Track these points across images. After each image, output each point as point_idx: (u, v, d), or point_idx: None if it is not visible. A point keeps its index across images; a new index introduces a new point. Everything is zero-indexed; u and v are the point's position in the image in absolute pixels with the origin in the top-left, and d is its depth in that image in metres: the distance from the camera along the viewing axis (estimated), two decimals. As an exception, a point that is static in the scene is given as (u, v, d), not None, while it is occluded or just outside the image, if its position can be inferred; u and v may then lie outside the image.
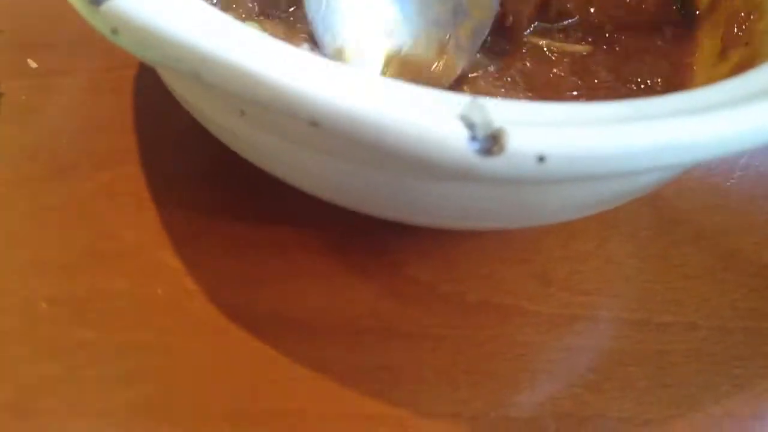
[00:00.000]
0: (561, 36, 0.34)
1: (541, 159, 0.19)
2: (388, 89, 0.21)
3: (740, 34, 0.33)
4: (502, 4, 0.33)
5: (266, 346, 0.30)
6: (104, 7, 0.21)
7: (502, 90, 0.31)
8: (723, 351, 0.31)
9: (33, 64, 0.38)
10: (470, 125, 0.20)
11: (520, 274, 0.32)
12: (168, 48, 0.20)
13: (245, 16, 0.30)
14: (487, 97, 0.21)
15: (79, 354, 0.29)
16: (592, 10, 0.35)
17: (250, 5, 0.32)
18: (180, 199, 0.34)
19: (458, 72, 0.31)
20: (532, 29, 0.34)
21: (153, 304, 0.30)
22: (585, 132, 0.20)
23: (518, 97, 0.31)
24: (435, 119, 0.19)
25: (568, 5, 0.34)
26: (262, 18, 0.32)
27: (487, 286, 0.32)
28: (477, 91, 0.31)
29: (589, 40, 0.34)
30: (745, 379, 0.30)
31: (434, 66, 0.31)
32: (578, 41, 0.34)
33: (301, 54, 0.21)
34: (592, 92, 0.32)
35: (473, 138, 0.19)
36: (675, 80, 0.33)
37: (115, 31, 0.21)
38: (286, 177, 0.28)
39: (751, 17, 0.32)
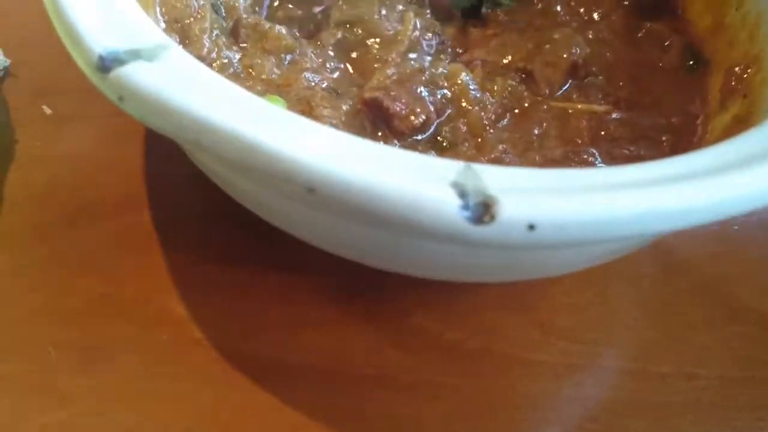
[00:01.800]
0: (579, 95, 0.34)
1: (531, 227, 0.20)
2: (384, 155, 0.21)
3: (738, 86, 0.34)
4: (531, 72, 0.34)
5: (270, 395, 0.30)
6: (111, 74, 0.22)
7: (519, 145, 0.31)
8: (722, 401, 0.31)
9: (47, 110, 0.39)
10: (462, 193, 0.20)
11: (521, 323, 0.33)
12: (170, 117, 0.21)
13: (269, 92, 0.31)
14: (481, 164, 0.21)
15: (85, 401, 0.30)
16: (616, 72, 0.35)
17: None
18: (186, 245, 0.34)
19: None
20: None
21: (158, 352, 0.31)
22: (573, 200, 0.20)
23: (533, 152, 0.31)
24: (428, 186, 0.20)
25: (594, 69, 0.35)
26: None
27: (488, 334, 0.32)
28: (493, 145, 0.31)
29: (608, 98, 0.34)
30: (745, 431, 0.30)
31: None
32: (597, 100, 0.34)
33: (300, 120, 0.22)
34: (609, 147, 0.32)
35: (465, 206, 0.20)
36: (685, 131, 0.34)
37: (121, 99, 0.22)
38: (287, 229, 0.29)
39: (749, 70, 0.33)
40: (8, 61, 0.41)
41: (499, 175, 0.21)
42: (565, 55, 0.34)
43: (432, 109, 0.31)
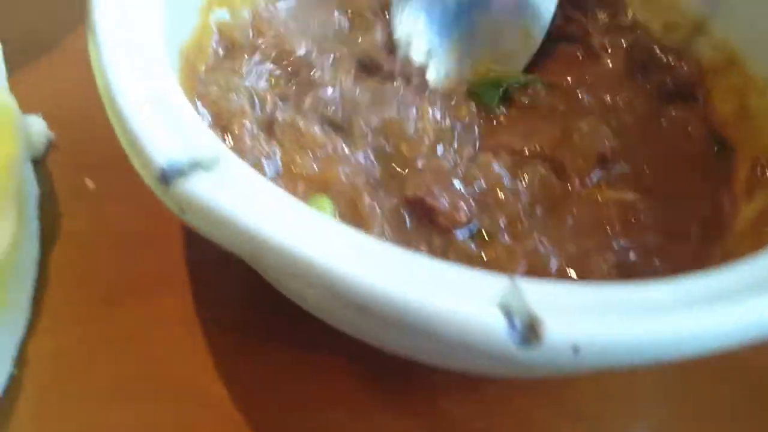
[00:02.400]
0: (608, 183, 0.35)
1: (575, 350, 0.21)
2: (433, 271, 0.22)
3: (764, 176, 0.34)
4: (562, 162, 0.35)
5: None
6: (173, 187, 0.23)
7: (553, 235, 0.32)
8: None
9: (90, 184, 0.40)
10: (508, 313, 0.21)
11: (551, 413, 0.33)
12: (230, 231, 0.22)
13: (312, 189, 0.32)
14: (524, 279, 0.22)
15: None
16: (642, 160, 0.36)
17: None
18: (225, 325, 0.35)
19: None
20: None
21: (199, 434, 0.32)
22: (617, 322, 0.21)
23: (567, 242, 0.32)
24: (476, 309, 0.21)
25: (623, 159, 0.36)
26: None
27: (517, 424, 0.33)
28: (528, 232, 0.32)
29: (637, 186, 0.35)
30: None
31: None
32: (626, 188, 0.35)
33: (354, 235, 0.23)
34: (640, 236, 0.33)
35: (512, 327, 0.21)
36: (714, 220, 0.34)
37: (182, 211, 0.23)
38: (329, 322, 0.29)
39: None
40: (52, 134, 0.42)
41: (542, 292, 0.22)
42: (593, 147, 0.35)
43: (473, 203, 0.32)
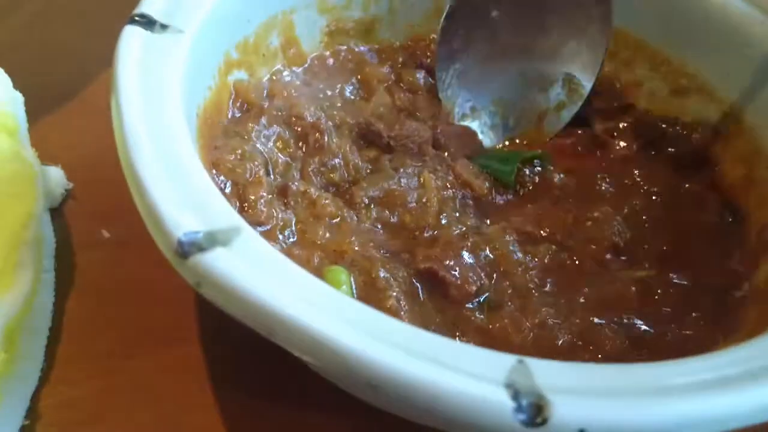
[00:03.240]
0: (620, 264, 0.35)
1: (581, 432, 0.21)
2: (443, 349, 0.23)
3: None
4: (572, 248, 0.35)
5: None
6: (190, 261, 0.24)
7: (563, 310, 0.33)
8: None
9: (106, 234, 0.41)
10: (516, 394, 0.22)
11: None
12: (246, 308, 0.23)
13: (329, 259, 0.33)
14: (531, 360, 0.23)
15: None
16: (656, 236, 0.37)
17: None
18: (239, 381, 0.36)
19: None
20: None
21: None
22: (623, 406, 0.21)
23: (576, 317, 0.32)
24: (484, 389, 0.21)
25: (637, 241, 0.36)
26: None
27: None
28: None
29: (650, 261, 0.36)
30: None
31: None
32: (639, 264, 0.35)
33: (368, 313, 0.23)
34: (653, 311, 0.33)
35: (518, 408, 0.21)
36: (728, 290, 0.34)
37: (198, 285, 0.24)
38: (339, 386, 0.30)
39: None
40: (71, 185, 0.43)
41: (549, 371, 0.22)
42: (606, 236, 0.36)
43: (483, 275, 0.32)
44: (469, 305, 0.32)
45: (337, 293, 0.24)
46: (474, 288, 0.32)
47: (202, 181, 0.26)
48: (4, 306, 0.33)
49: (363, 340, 0.22)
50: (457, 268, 0.32)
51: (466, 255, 0.33)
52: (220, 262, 0.23)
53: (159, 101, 0.29)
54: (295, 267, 0.24)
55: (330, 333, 0.22)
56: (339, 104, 0.40)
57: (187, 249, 0.24)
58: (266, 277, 0.23)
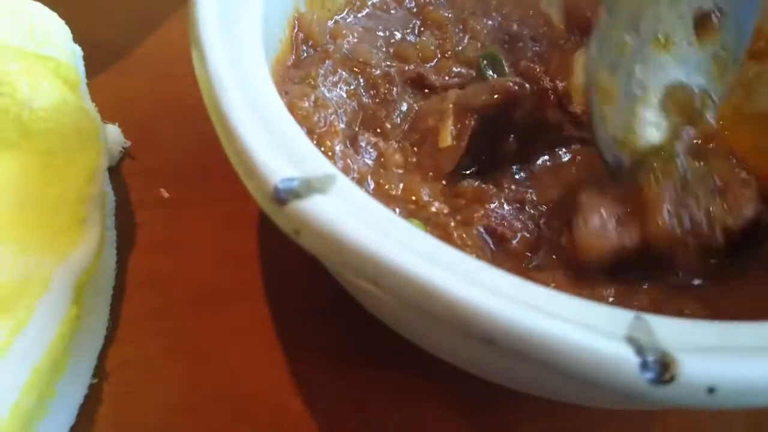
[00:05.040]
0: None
1: (711, 390, 0.20)
2: (558, 302, 0.21)
3: None
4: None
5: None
6: (288, 207, 0.23)
7: None
8: None
9: (165, 194, 0.40)
10: (639, 349, 0.20)
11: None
12: (348, 254, 0.22)
13: (405, 212, 0.32)
14: (649, 315, 0.21)
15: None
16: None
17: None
18: (304, 339, 0.35)
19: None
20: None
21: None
22: (755, 364, 0.20)
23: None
24: (606, 343, 0.20)
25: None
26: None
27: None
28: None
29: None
30: None
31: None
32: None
33: (468, 261, 0.22)
34: None
35: (644, 365, 0.20)
36: None
37: (297, 232, 0.23)
38: (428, 349, 0.29)
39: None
40: (128, 143, 0.42)
41: (669, 327, 0.21)
42: None
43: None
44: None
45: (446, 246, 0.23)
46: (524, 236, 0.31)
47: (291, 128, 0.25)
48: (73, 262, 0.32)
49: (481, 293, 0.21)
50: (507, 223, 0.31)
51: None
52: (320, 208, 0.22)
53: (240, 49, 0.27)
54: (396, 216, 0.23)
55: (447, 285, 0.21)
56: (397, 49, 0.39)
57: (284, 196, 0.23)
58: (369, 225, 0.22)
